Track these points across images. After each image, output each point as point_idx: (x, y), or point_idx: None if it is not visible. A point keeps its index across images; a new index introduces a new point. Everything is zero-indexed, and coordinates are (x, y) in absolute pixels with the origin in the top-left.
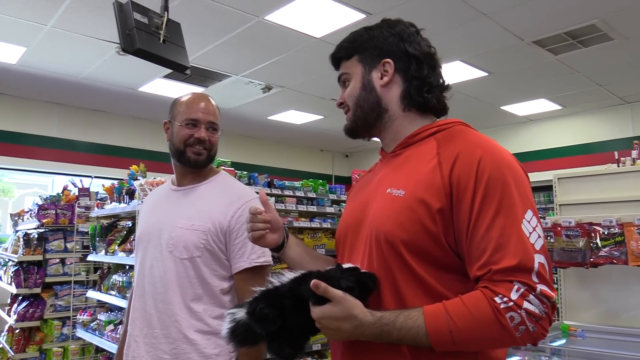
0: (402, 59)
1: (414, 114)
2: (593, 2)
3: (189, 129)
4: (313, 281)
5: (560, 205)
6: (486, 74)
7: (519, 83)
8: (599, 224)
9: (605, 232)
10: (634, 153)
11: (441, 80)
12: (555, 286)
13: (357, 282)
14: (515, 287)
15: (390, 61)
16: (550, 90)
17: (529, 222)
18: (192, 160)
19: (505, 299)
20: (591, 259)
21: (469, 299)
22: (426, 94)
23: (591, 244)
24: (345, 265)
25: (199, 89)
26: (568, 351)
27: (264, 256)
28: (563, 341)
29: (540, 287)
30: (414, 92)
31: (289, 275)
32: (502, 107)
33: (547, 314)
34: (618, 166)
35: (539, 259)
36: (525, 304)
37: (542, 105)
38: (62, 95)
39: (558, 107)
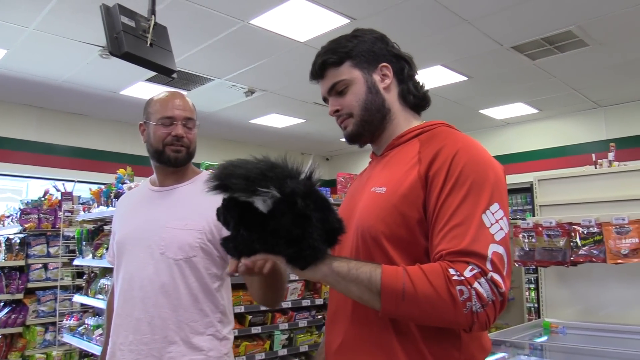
0: (394, 62)
1: (408, 113)
2: (570, 10)
3: (165, 128)
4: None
5: (540, 206)
6: (466, 78)
7: (498, 87)
8: (578, 224)
9: (585, 232)
10: (610, 155)
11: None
12: (534, 285)
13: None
14: (470, 267)
15: (388, 65)
16: (527, 94)
17: (493, 213)
18: (172, 159)
19: (458, 272)
20: (571, 258)
21: (427, 266)
22: (417, 92)
23: (571, 243)
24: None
25: (181, 92)
26: (549, 346)
27: None
28: (544, 337)
29: (492, 274)
30: (411, 91)
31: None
32: (481, 111)
33: (494, 303)
34: (595, 168)
35: (496, 248)
36: (476, 284)
37: (519, 109)
38: (42, 98)
39: (535, 111)
